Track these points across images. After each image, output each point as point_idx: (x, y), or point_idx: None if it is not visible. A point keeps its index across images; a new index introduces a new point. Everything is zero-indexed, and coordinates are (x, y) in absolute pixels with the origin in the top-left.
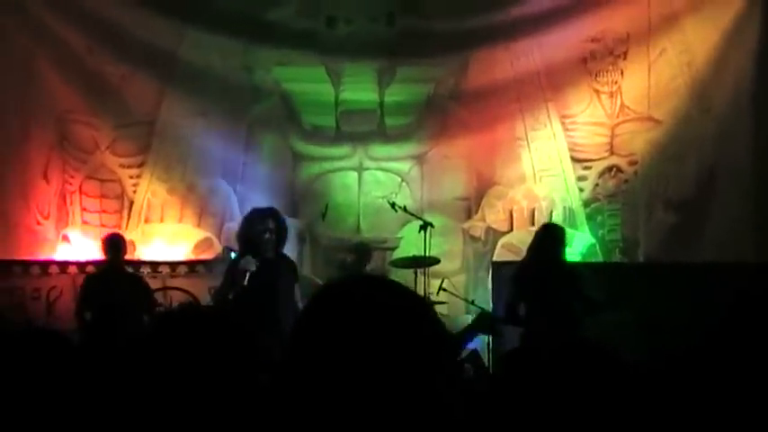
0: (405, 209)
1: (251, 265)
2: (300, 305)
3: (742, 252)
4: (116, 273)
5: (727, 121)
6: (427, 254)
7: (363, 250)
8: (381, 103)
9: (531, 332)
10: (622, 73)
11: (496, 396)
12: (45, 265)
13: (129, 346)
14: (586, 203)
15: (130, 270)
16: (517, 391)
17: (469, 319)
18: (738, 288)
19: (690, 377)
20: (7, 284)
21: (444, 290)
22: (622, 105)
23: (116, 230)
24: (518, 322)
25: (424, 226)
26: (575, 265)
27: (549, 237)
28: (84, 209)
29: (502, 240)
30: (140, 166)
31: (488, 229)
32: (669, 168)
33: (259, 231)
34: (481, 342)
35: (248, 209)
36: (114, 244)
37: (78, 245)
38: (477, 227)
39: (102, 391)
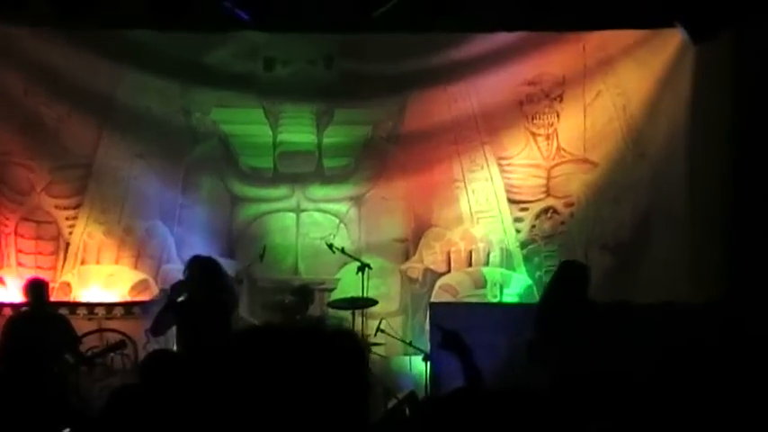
0: (343, 250)
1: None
2: None
3: (676, 294)
4: (39, 314)
5: (662, 164)
6: (365, 295)
7: (306, 292)
8: (319, 145)
9: (563, 374)
10: (558, 115)
11: None
12: None
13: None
14: (523, 245)
15: (65, 312)
16: None
17: (407, 360)
18: (673, 328)
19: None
20: None
21: (382, 331)
22: (558, 147)
23: (39, 275)
24: (544, 363)
25: (362, 267)
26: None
27: (577, 275)
28: (19, 250)
29: (440, 281)
30: (77, 207)
31: (426, 271)
32: (605, 211)
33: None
34: (418, 383)
35: (186, 251)
36: (34, 288)
37: (13, 287)
38: (414, 268)
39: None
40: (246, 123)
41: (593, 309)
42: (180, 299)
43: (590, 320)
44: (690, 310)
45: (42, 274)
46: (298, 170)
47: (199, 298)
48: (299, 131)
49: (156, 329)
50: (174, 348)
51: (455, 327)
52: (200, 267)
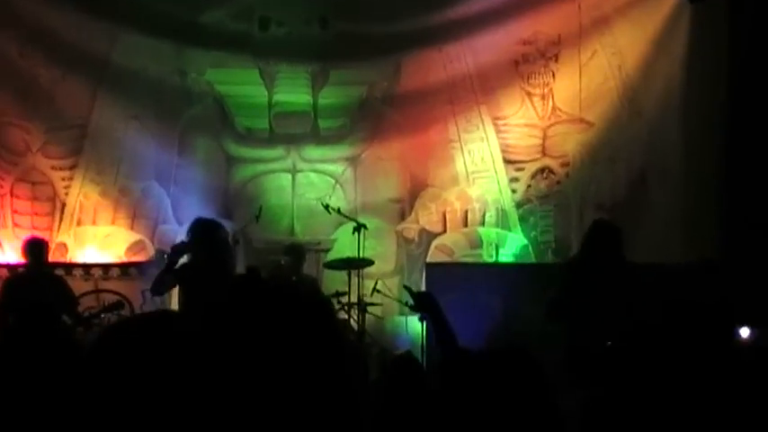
0: (338, 211)
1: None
2: None
3: (672, 253)
4: (36, 275)
5: (658, 124)
6: (361, 255)
7: (298, 250)
8: (315, 106)
9: (578, 331)
10: (554, 75)
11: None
12: None
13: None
14: (519, 205)
15: (61, 272)
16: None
17: (403, 320)
18: (668, 288)
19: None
20: None
21: (378, 291)
22: (554, 107)
23: (38, 234)
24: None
25: (358, 228)
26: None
27: (603, 235)
28: (15, 211)
29: (435, 242)
30: (72, 168)
31: (422, 231)
32: (600, 170)
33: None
34: (415, 343)
35: (181, 211)
36: (33, 247)
37: (9, 248)
38: (410, 229)
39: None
40: (242, 84)
41: (626, 272)
42: (181, 260)
43: (618, 284)
44: (683, 271)
45: (38, 235)
46: (293, 131)
47: (200, 259)
48: (294, 92)
49: (157, 289)
50: (174, 308)
51: (450, 287)
52: (201, 229)
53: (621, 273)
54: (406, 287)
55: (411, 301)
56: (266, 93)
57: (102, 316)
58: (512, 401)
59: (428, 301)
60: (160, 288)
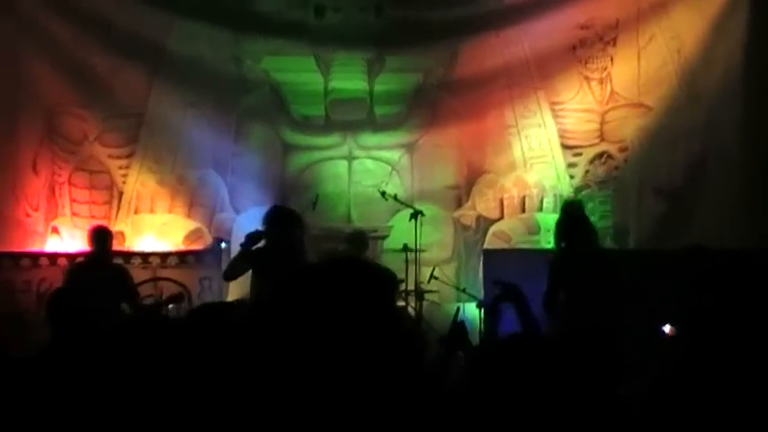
0: (395, 198)
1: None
2: None
3: (730, 238)
4: (99, 264)
5: (717, 108)
6: (418, 242)
7: (360, 238)
8: (371, 92)
9: (564, 320)
10: (612, 59)
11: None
12: (35, 257)
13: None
14: (577, 190)
15: (119, 261)
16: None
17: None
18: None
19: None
20: None
21: (435, 278)
22: (612, 92)
23: (102, 223)
24: (552, 311)
25: (415, 214)
26: (608, 252)
27: (569, 220)
28: (73, 200)
29: (493, 228)
30: (129, 156)
31: (479, 218)
32: (659, 155)
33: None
34: (472, 330)
35: (238, 199)
36: (99, 236)
37: (68, 236)
38: (467, 215)
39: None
40: (298, 71)
41: (597, 255)
42: (255, 247)
43: (592, 267)
44: (744, 256)
45: (103, 224)
46: (349, 118)
47: (274, 247)
48: (350, 79)
49: (230, 274)
50: (229, 298)
51: (508, 274)
52: (276, 217)
53: (594, 259)
54: (495, 281)
55: (477, 287)
56: (322, 80)
57: (163, 307)
58: (579, 384)
59: (515, 292)
60: (233, 273)
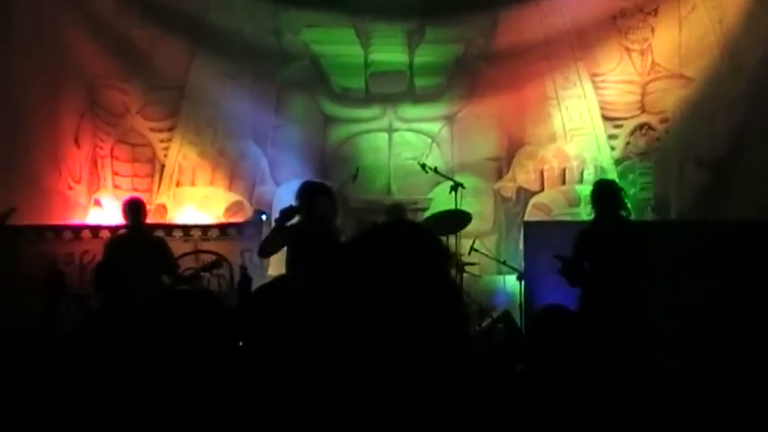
0: (435, 170)
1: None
2: None
3: None
4: (138, 236)
5: (759, 78)
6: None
7: (400, 210)
8: (411, 64)
9: (588, 293)
10: (653, 30)
11: (528, 355)
12: (77, 229)
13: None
14: (618, 162)
15: (161, 234)
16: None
17: (501, 279)
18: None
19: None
20: (39, 249)
21: (476, 250)
22: (653, 63)
23: (138, 195)
24: (576, 282)
25: (455, 186)
26: (639, 225)
27: (604, 194)
28: (115, 173)
29: (533, 200)
30: (171, 129)
31: (519, 189)
32: (700, 126)
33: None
34: (513, 302)
35: (279, 172)
36: (132, 208)
37: (110, 209)
38: (508, 187)
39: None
40: (337, 43)
41: (627, 228)
42: (290, 223)
43: (622, 240)
44: None
45: (136, 195)
46: (389, 90)
47: (307, 222)
48: (390, 51)
49: (265, 251)
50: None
51: (548, 246)
52: (310, 192)
53: (622, 232)
54: (556, 255)
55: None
56: (362, 52)
57: (202, 275)
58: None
59: (575, 268)
60: (267, 249)
